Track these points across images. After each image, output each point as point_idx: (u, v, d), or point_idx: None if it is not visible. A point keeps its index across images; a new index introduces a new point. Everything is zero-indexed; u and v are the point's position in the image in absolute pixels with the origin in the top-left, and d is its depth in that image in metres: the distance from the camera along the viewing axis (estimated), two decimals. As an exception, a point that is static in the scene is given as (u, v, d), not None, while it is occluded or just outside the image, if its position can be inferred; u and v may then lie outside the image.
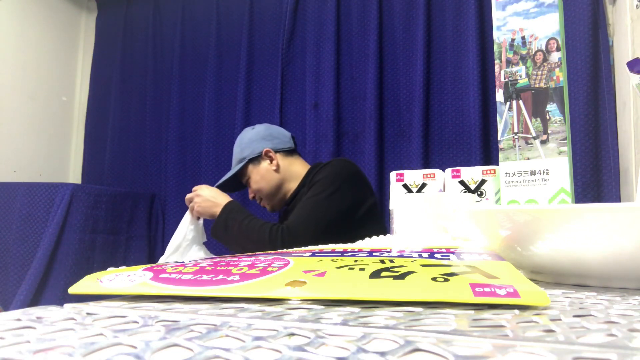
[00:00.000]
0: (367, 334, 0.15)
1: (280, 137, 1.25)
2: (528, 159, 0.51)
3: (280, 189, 1.21)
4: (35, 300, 1.42)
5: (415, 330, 0.15)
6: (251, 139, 1.22)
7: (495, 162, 1.41)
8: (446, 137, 1.52)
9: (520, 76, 0.52)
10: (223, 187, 1.21)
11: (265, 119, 1.79)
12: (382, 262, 0.25)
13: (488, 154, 1.44)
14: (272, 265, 0.25)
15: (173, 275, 0.23)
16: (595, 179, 1.27)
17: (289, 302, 0.20)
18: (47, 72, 2.11)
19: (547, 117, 0.50)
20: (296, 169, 1.23)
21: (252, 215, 1.06)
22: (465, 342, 0.14)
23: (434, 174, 0.66)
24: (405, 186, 0.67)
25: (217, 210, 1.08)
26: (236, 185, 1.26)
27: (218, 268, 0.25)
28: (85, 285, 0.23)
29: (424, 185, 0.66)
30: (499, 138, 0.53)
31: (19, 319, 0.17)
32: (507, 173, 0.52)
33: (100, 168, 2.13)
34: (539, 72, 0.51)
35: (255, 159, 1.21)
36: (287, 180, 1.22)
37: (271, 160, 1.21)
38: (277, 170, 1.21)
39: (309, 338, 0.15)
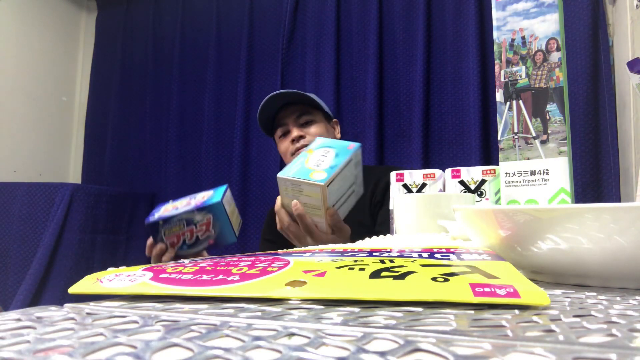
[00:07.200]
0: (367, 334, 0.15)
1: None
2: (528, 159, 0.51)
3: None
4: (35, 300, 1.42)
5: (415, 330, 0.15)
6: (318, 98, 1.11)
7: (495, 162, 1.41)
8: (446, 137, 1.52)
9: (520, 76, 0.52)
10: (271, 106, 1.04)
11: (265, 119, 1.78)
12: (382, 262, 0.25)
13: (488, 154, 1.44)
14: (272, 265, 0.25)
15: (173, 275, 0.23)
16: (595, 179, 1.27)
17: (289, 302, 0.20)
18: (47, 72, 2.11)
19: (547, 117, 0.50)
20: None
21: None
22: (465, 342, 0.14)
23: (434, 174, 0.66)
24: (405, 186, 0.67)
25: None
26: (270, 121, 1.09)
27: (218, 268, 0.25)
28: (85, 285, 0.23)
29: (424, 185, 0.66)
30: (499, 138, 0.53)
31: (19, 319, 0.17)
32: (507, 173, 0.52)
33: (100, 168, 2.13)
34: (539, 72, 0.51)
35: (327, 116, 1.12)
36: None
37: (335, 129, 1.15)
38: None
39: (309, 338, 0.14)
